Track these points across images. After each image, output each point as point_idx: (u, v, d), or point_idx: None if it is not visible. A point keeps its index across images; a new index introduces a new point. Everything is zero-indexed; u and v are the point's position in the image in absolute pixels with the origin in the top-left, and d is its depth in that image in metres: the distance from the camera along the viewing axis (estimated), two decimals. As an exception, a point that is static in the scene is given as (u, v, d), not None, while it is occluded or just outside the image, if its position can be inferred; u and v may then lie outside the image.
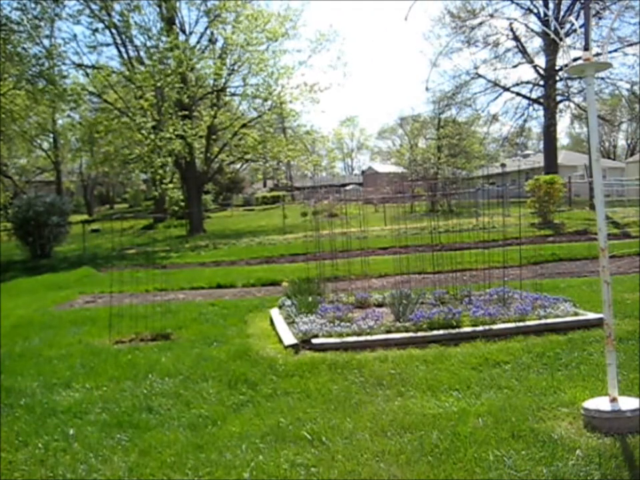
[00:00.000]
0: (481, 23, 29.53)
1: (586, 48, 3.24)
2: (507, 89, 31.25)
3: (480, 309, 5.44)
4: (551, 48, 27.32)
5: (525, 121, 31.88)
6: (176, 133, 21.15)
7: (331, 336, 5.06)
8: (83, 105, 23.38)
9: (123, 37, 23.70)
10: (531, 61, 30.64)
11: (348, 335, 5.06)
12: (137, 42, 24.08)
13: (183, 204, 22.82)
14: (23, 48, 20.27)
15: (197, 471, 2.83)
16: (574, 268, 9.92)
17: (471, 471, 2.66)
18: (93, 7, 22.13)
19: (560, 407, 3.32)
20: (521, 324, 5.11)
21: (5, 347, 5.76)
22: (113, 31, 23.33)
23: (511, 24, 28.15)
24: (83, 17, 22.37)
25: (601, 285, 3.23)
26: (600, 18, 25.53)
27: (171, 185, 22.34)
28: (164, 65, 22.31)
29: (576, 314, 5.38)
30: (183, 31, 25.58)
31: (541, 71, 29.98)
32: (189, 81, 23.48)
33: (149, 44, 23.14)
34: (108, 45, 24.39)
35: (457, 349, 4.66)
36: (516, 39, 30.00)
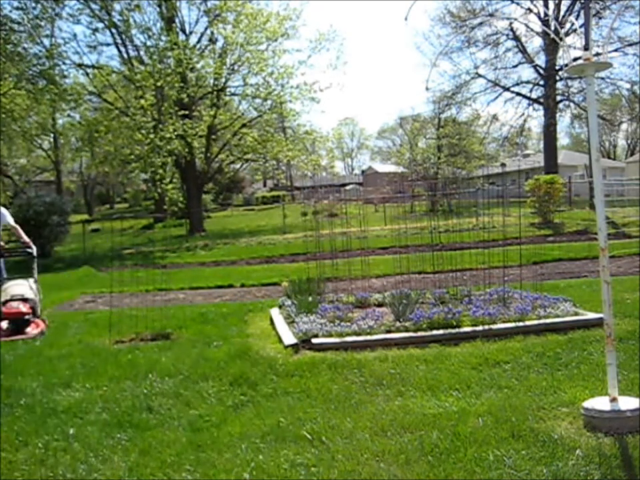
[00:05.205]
0: (481, 23, 29.55)
1: (586, 48, 3.23)
2: (507, 89, 31.25)
3: (480, 308, 5.43)
4: (550, 48, 27.34)
5: (525, 120, 31.94)
6: (176, 132, 21.13)
7: (331, 336, 5.05)
8: (83, 105, 23.36)
9: (123, 36, 23.69)
10: (531, 61, 30.64)
11: (348, 334, 5.06)
12: (137, 41, 24.09)
13: (182, 204, 22.79)
14: (23, 47, 20.32)
15: (197, 471, 2.83)
16: (574, 268, 9.93)
17: (470, 470, 2.66)
18: (93, 6, 22.12)
19: (560, 407, 3.32)
20: (521, 324, 5.11)
21: (4, 346, 5.76)
22: (113, 30, 23.31)
23: (510, 24, 28.20)
24: (82, 16, 22.39)
25: (601, 284, 3.23)
26: (600, 18, 25.52)
27: (170, 185, 22.32)
28: (164, 65, 22.31)
29: (576, 314, 5.37)
30: (183, 31, 25.59)
31: (541, 71, 29.98)
32: (188, 80, 23.47)
33: (148, 43, 23.13)
34: (108, 44, 24.41)
35: (457, 349, 4.65)
36: (516, 38, 30.02)
